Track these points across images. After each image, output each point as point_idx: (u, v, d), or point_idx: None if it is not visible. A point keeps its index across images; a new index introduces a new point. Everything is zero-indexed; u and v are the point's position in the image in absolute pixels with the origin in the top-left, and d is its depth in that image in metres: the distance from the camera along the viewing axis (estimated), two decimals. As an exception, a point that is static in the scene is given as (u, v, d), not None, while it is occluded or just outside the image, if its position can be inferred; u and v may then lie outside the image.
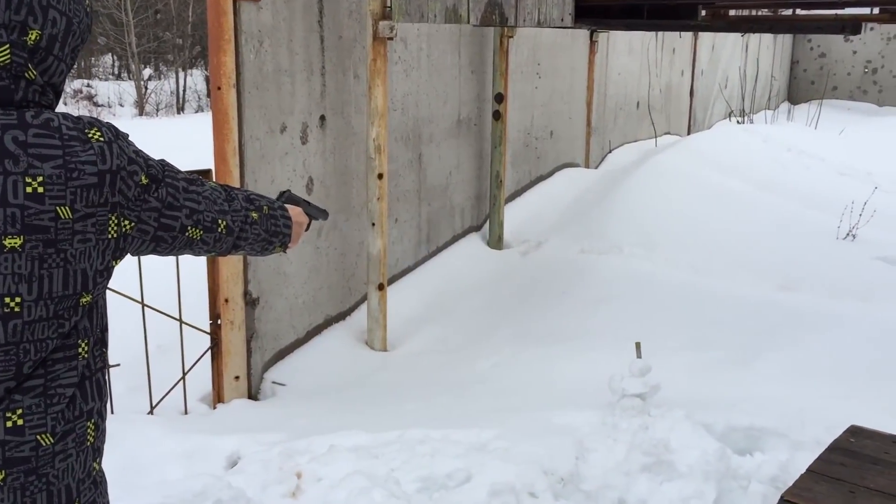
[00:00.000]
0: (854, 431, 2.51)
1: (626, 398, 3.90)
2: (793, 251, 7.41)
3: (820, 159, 11.69)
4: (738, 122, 15.56)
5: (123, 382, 4.70)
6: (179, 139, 12.44)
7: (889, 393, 4.49)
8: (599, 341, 5.34)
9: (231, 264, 4.58)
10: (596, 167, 10.65)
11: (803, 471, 3.32)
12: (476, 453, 3.47)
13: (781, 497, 2.10)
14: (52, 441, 1.47)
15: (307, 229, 2.10)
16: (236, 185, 4.53)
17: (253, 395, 4.81)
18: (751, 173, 9.73)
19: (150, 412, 4.47)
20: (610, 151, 11.30)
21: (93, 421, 1.56)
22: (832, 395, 4.36)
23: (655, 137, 12.40)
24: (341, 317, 5.69)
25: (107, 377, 1.63)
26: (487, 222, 7.65)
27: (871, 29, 19.03)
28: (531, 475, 3.26)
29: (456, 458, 3.44)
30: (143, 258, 4.46)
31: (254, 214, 1.83)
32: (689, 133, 14.19)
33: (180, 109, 23.05)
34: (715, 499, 3.27)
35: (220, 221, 1.72)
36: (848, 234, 8.08)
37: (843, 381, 4.63)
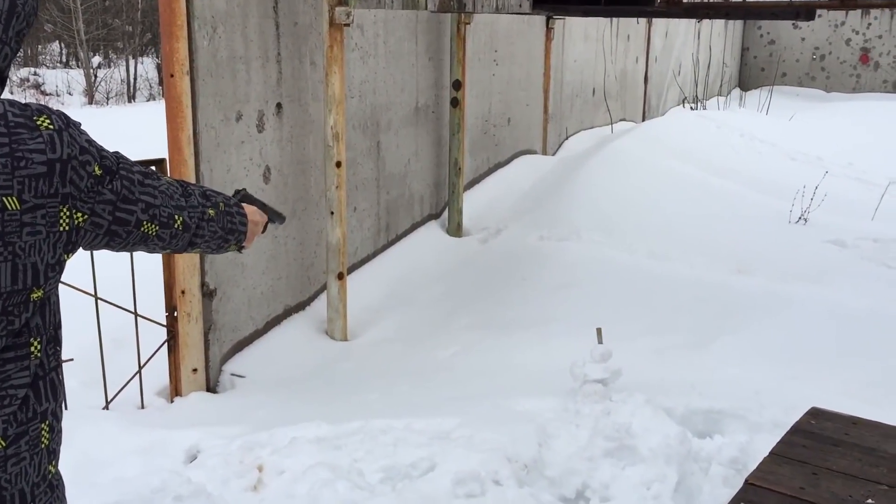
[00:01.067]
0: (814, 413, 2.55)
1: (587, 384, 3.92)
2: (747, 235, 7.52)
3: (771, 144, 11.89)
4: (691, 108, 15.74)
5: (77, 377, 4.60)
6: (131, 129, 12.19)
7: (843, 374, 4.58)
8: (560, 328, 5.37)
9: (187, 255, 4.50)
10: (553, 154, 10.68)
11: (763, 452, 3.38)
12: (439, 442, 3.46)
13: (746, 481, 2.12)
14: (4, 445, 1.42)
15: (264, 231, 2.06)
16: (191, 175, 4.45)
17: (211, 387, 4.74)
18: (705, 159, 9.85)
19: (106, 407, 4.38)
20: (567, 138, 11.35)
21: (47, 423, 1.50)
22: (788, 377, 4.43)
23: (611, 124, 12.48)
24: (301, 307, 5.63)
25: (61, 376, 1.57)
26: (446, 210, 7.63)
27: (819, 16, 19.35)
28: (495, 462, 3.26)
29: (419, 448, 3.43)
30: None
31: (210, 211, 1.77)
32: (643, 119, 14.31)
33: (131, 98, 22.61)
34: (677, 482, 3.31)
35: (176, 217, 1.66)
36: (800, 219, 8.23)
37: (797, 363, 4.71)
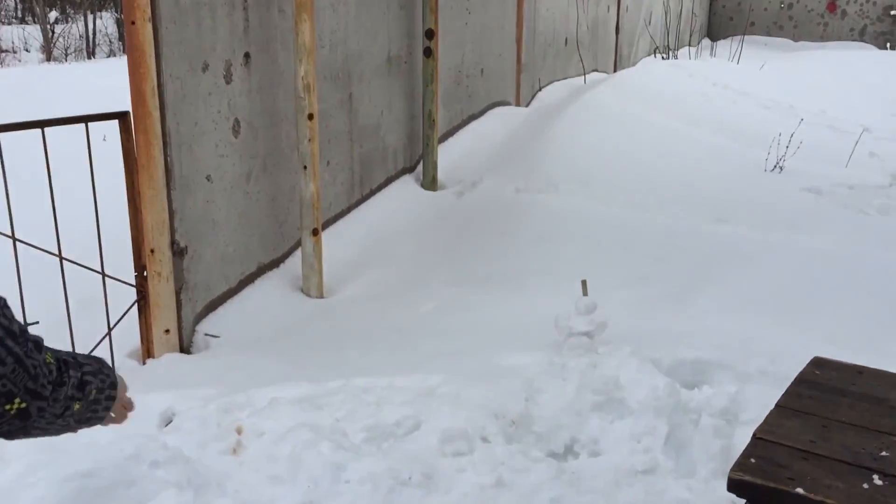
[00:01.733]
0: (818, 363, 2.48)
1: (573, 337, 3.84)
2: (724, 184, 7.47)
3: (744, 93, 11.80)
4: (662, 58, 15.60)
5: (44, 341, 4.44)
6: (92, 85, 11.80)
7: (824, 321, 4.55)
8: (540, 281, 5.28)
9: (155, 212, 4.33)
10: (526, 105, 10.51)
11: (753, 402, 3.33)
12: (424, 400, 3.37)
13: (753, 435, 2.04)
14: None
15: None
16: (157, 129, 4.26)
17: (185, 348, 4.61)
18: (680, 108, 9.76)
19: (76, 371, 4.23)
20: (540, 89, 11.17)
21: None
22: (772, 325, 4.39)
23: (584, 74, 12.31)
24: (275, 264, 5.48)
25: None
26: (421, 163, 7.47)
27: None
28: (482, 419, 3.18)
29: (403, 406, 3.34)
30: (59, 207, 4.17)
31: (76, 405, 1.53)
32: (615, 70, 14.14)
33: (91, 54, 21.97)
34: (667, 434, 3.25)
35: (16, 401, 1.38)
36: (775, 167, 8.19)
37: (781, 312, 4.67)
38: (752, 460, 1.97)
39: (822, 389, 2.30)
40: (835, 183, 7.93)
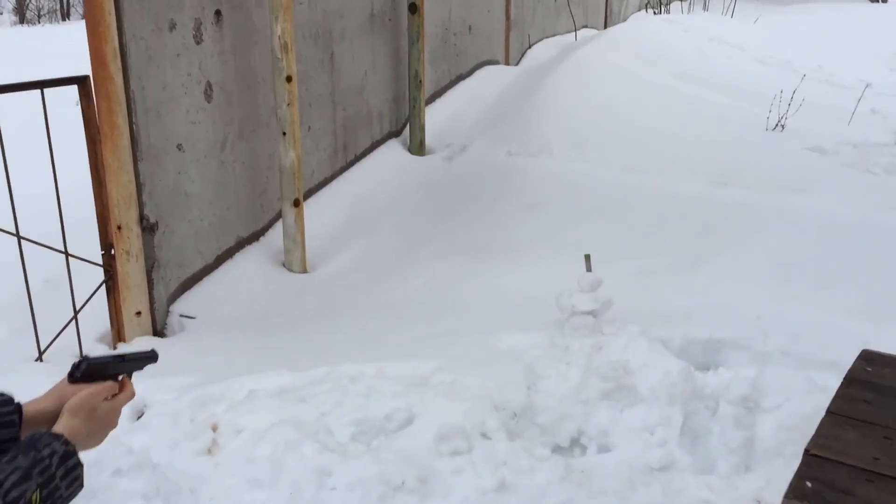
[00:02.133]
0: (868, 358, 2.19)
1: (576, 316, 3.55)
2: (725, 144, 7.15)
3: (740, 48, 11.44)
4: (654, 13, 15.17)
5: (6, 325, 4.13)
6: (64, 47, 11.32)
7: (840, 292, 4.27)
8: (537, 251, 4.98)
9: (122, 185, 3.99)
10: (516, 64, 10.13)
11: (775, 387, 3.06)
12: (416, 390, 3.08)
13: (806, 450, 1.76)
14: None
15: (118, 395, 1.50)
16: (120, 94, 3.90)
17: (158, 331, 4.30)
18: (675, 65, 9.39)
19: (39, 358, 3.92)
20: (529, 47, 10.77)
21: None
22: (786, 298, 4.11)
23: (575, 31, 11.90)
24: (254, 237, 5.16)
25: None
26: (408, 126, 7.12)
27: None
28: (481, 412, 2.89)
29: (394, 397, 3.05)
30: (14, 183, 3.82)
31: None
32: (605, 26, 13.72)
33: (65, 16, 21.32)
34: (682, 424, 2.98)
35: None
36: (777, 125, 7.88)
37: (794, 282, 4.39)
38: (809, 484, 1.69)
39: (879, 391, 2.02)
40: (838, 142, 7.63)
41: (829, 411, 1.91)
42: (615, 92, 7.96)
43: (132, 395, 1.55)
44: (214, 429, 3.01)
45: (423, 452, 2.71)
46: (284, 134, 4.90)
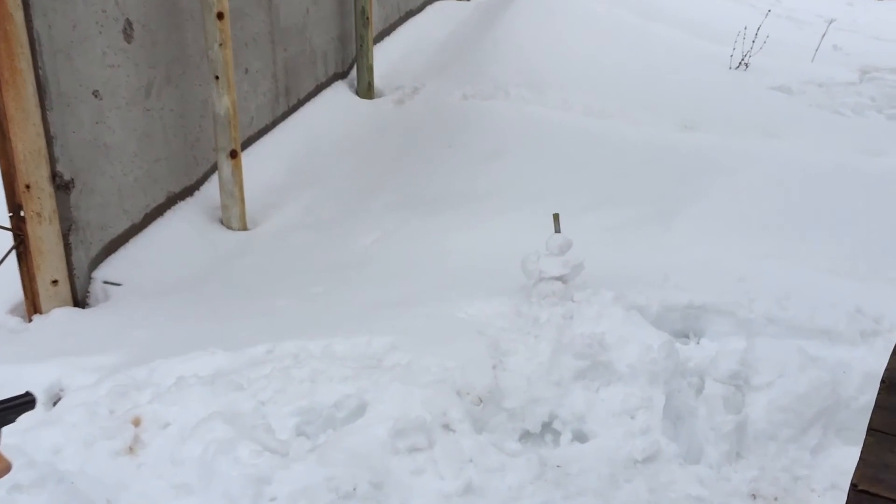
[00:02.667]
0: (905, 355, 1.88)
1: (543, 282, 3.22)
2: (689, 84, 6.81)
3: (699, -16, 11.06)
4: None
5: None
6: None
7: (821, 247, 4.01)
8: (497, 204, 4.62)
9: (28, 138, 3.50)
10: (469, -1, 9.61)
11: (767, 362, 2.77)
12: (369, 373, 2.72)
13: (852, 484, 1.45)
14: None
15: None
16: (22, 35, 3.38)
17: (79, 300, 3.86)
18: (636, 1, 8.98)
19: (-59, 337, 3.48)
20: (482, -19, 10.23)
21: None
22: (765, 255, 3.83)
23: (529, -36, 11.35)
24: (188, 192, 4.70)
25: None
26: (355, 67, 6.64)
27: None
28: (442, 399, 2.55)
29: (344, 382, 2.69)
30: None
31: None
32: (561, -41, 13.17)
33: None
34: (665, 405, 2.68)
35: None
36: (741, 64, 7.57)
37: (770, 236, 4.12)
38: (861, 530, 1.38)
39: (926, 397, 1.72)
40: (803, 80, 7.36)
41: (871, 428, 1.61)
42: (575, 29, 7.54)
43: (7, 469, 1.16)
44: (137, 423, 2.63)
45: (377, 450, 2.37)
46: (217, 78, 4.42)
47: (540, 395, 2.71)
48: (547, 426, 2.70)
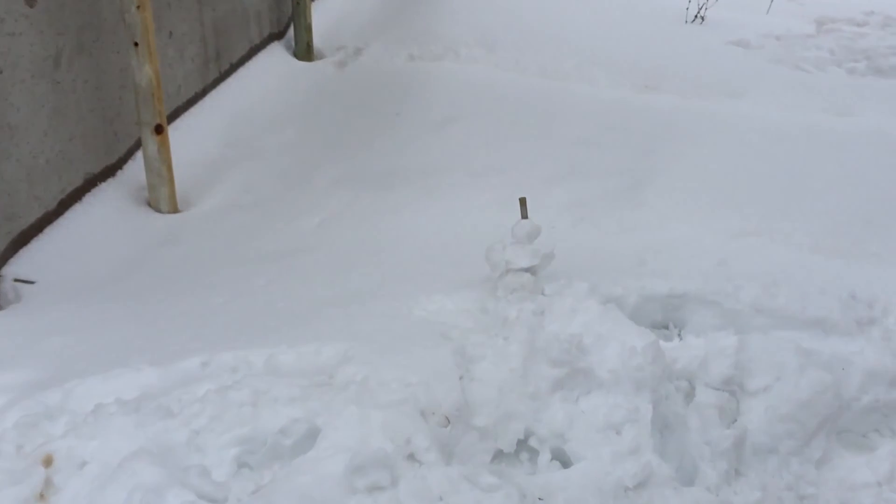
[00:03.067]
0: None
1: (511, 274, 2.89)
2: (645, 40, 6.50)
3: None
4: None
5: None
6: None
7: (801, 222, 3.75)
8: (452, 179, 4.28)
9: (-86, 123, 3.03)
10: (411, -50, 9.11)
11: (763, 362, 2.50)
12: (319, 392, 2.38)
13: None
14: None
15: None
16: None
17: (-13, 303, 3.43)
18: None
19: None
20: (424, -69, 9.73)
21: None
22: (744, 233, 3.56)
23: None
24: (109, 172, 4.25)
25: None
26: (292, 27, 6.16)
27: None
28: (405, 423, 2.23)
29: (290, 404, 2.34)
30: None
31: None
32: None
33: None
34: (653, 416, 2.40)
35: None
36: (696, 17, 7.31)
37: (745, 207, 3.85)
38: None
39: None
40: (761, 33, 7.12)
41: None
42: (525, -18, 7.15)
43: None
44: (48, 463, 2.25)
45: (332, 491, 2.04)
46: (136, 45, 3.95)
47: (513, 410, 2.40)
48: (522, 444, 2.40)
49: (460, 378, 2.48)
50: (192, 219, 4.25)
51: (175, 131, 4.64)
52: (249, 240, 3.97)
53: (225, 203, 4.43)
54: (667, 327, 2.95)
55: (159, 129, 4.13)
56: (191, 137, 4.74)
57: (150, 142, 4.14)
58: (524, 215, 2.97)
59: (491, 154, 4.47)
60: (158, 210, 4.24)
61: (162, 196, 4.24)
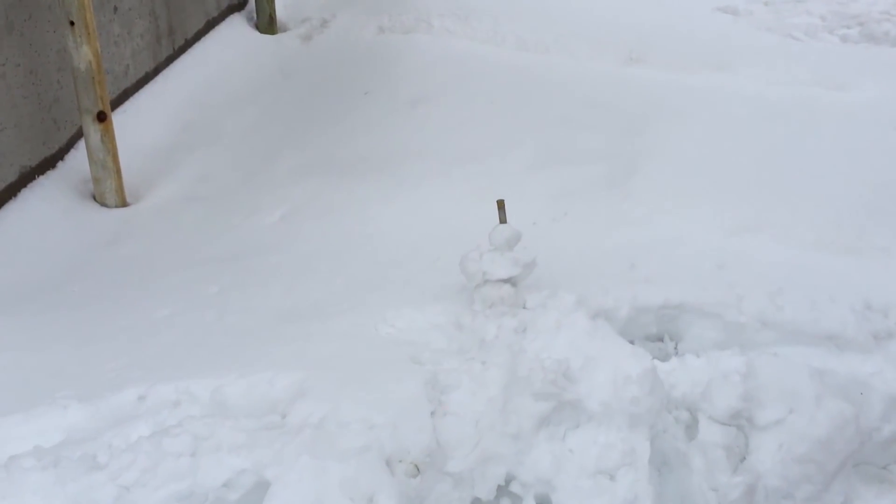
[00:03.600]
0: None
1: (488, 285, 2.59)
2: (627, 7, 6.14)
3: None
4: None
5: None
6: None
7: (802, 213, 3.43)
8: (424, 166, 3.94)
9: None
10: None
11: (775, 390, 2.22)
12: (269, 438, 2.07)
13: None
14: None
15: None
16: None
17: None
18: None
19: None
20: None
21: None
22: (742, 229, 3.25)
23: None
24: (48, 164, 3.88)
25: None
26: (252, -3, 5.76)
27: None
28: (368, 477, 1.93)
29: (236, 453, 2.04)
30: None
31: None
32: None
33: None
34: (650, 456, 2.11)
35: None
36: (682, -17, 6.94)
37: (741, 197, 3.54)
38: None
39: None
40: (747, -1, 6.78)
41: None
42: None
43: None
44: (-49, 531, 1.94)
45: (281, 566, 1.74)
46: (72, 24, 3.57)
47: (493, 451, 2.12)
48: (503, 490, 2.12)
49: (432, 413, 2.18)
50: (141, 213, 3.91)
51: (123, 116, 4.27)
52: (203, 238, 3.63)
53: (179, 195, 4.08)
54: (662, 339, 2.66)
55: (102, 117, 3.76)
56: (141, 122, 4.38)
57: (93, 130, 3.78)
58: (503, 219, 2.65)
59: (466, 137, 4.14)
60: (105, 204, 3.89)
61: (108, 189, 3.88)
